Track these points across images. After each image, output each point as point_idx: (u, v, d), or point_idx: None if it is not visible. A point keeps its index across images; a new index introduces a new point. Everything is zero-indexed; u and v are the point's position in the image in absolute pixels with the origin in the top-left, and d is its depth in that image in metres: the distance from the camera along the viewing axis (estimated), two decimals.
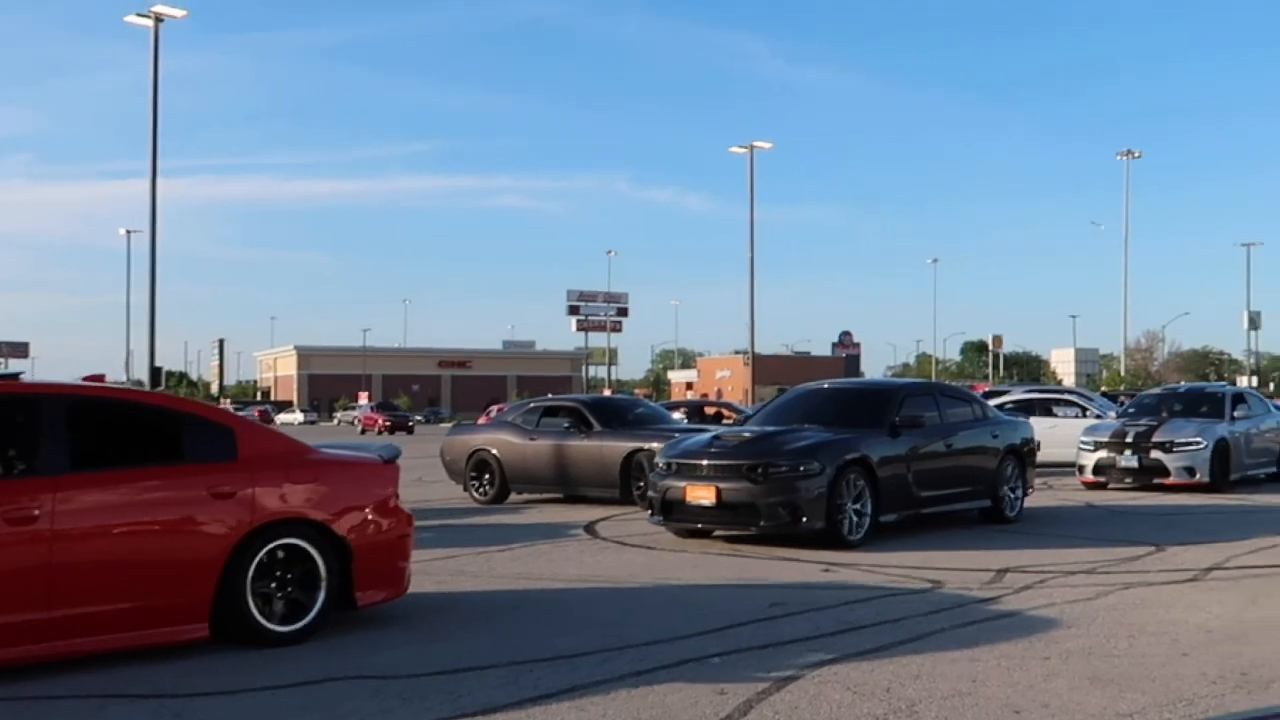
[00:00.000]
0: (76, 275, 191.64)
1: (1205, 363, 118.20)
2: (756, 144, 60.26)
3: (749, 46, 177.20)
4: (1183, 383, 48.74)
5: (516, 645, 7.11)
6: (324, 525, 7.32)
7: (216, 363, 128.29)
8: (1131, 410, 20.79)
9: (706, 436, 12.68)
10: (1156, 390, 24.74)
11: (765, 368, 69.17)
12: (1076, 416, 22.68)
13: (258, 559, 7.02)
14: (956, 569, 10.02)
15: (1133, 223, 74.39)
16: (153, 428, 7.20)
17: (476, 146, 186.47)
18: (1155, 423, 18.71)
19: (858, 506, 11.58)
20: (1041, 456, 21.30)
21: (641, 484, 14.76)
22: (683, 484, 11.70)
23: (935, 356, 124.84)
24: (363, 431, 65.61)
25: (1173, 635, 7.31)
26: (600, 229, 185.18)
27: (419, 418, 75.95)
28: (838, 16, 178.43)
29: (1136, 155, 73.74)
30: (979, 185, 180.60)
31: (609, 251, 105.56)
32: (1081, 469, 18.85)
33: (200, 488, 6.94)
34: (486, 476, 17.43)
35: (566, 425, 16.97)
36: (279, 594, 7.13)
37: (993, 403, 24.84)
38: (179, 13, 37.22)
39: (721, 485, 11.46)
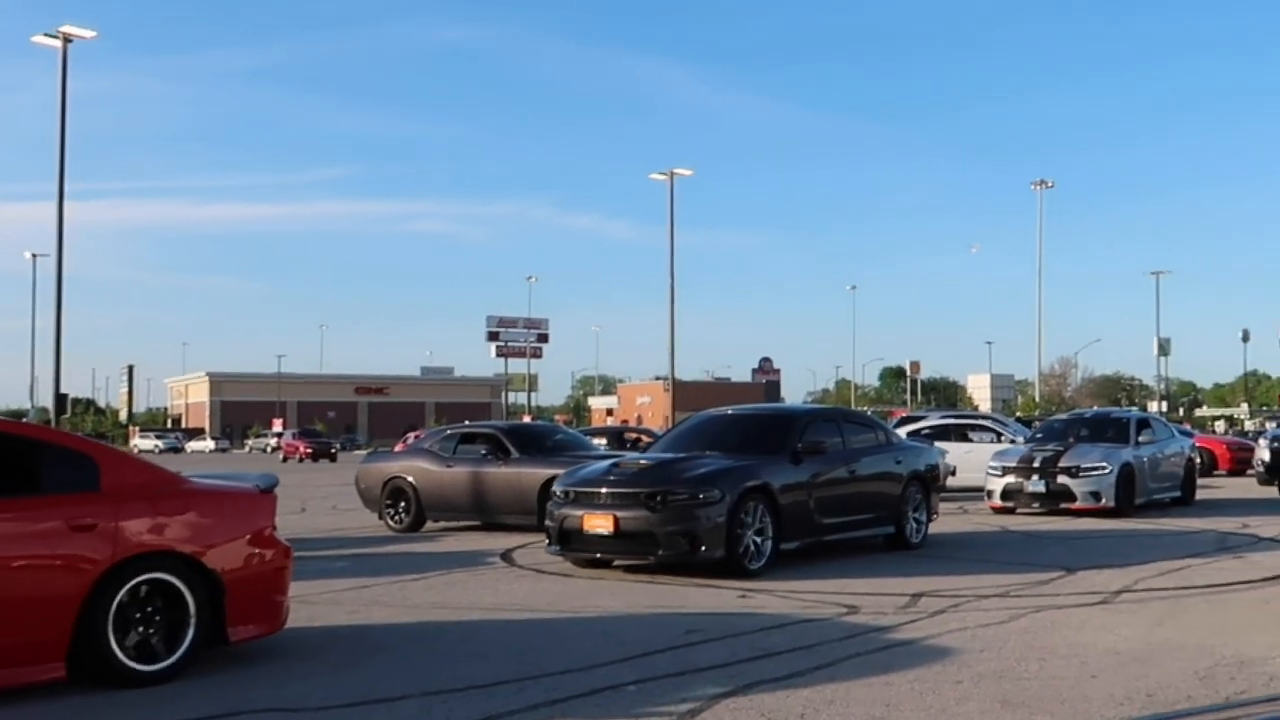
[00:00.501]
0: None
1: (1117, 388, 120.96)
2: (677, 170, 60.63)
3: (670, 73, 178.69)
4: (1092, 407, 49.69)
5: (430, 675, 7.00)
6: (193, 558, 7.02)
7: (125, 390, 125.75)
8: (1039, 435, 20.94)
9: (605, 464, 12.53)
10: (1064, 415, 25.00)
11: (686, 394, 69.35)
12: (992, 441, 22.97)
13: (121, 595, 6.68)
14: (872, 594, 10.08)
15: (1047, 251, 76.16)
16: (6, 457, 6.82)
17: (396, 171, 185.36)
18: (1062, 448, 18.89)
19: (759, 534, 11.44)
20: (957, 481, 21.65)
21: None
22: (580, 512, 11.51)
23: (854, 382, 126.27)
24: (285, 459, 63.69)
25: (1082, 658, 7.41)
26: (521, 255, 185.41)
27: (336, 444, 74.00)
28: (759, 43, 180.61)
29: (1049, 185, 75.60)
30: (898, 212, 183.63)
31: (529, 277, 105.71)
32: (990, 494, 19.00)
33: (57, 520, 6.59)
34: (402, 504, 17.22)
35: (484, 452, 16.84)
36: (144, 631, 6.81)
37: (910, 428, 25.36)
38: (88, 33, 36.55)
39: (619, 514, 11.27)
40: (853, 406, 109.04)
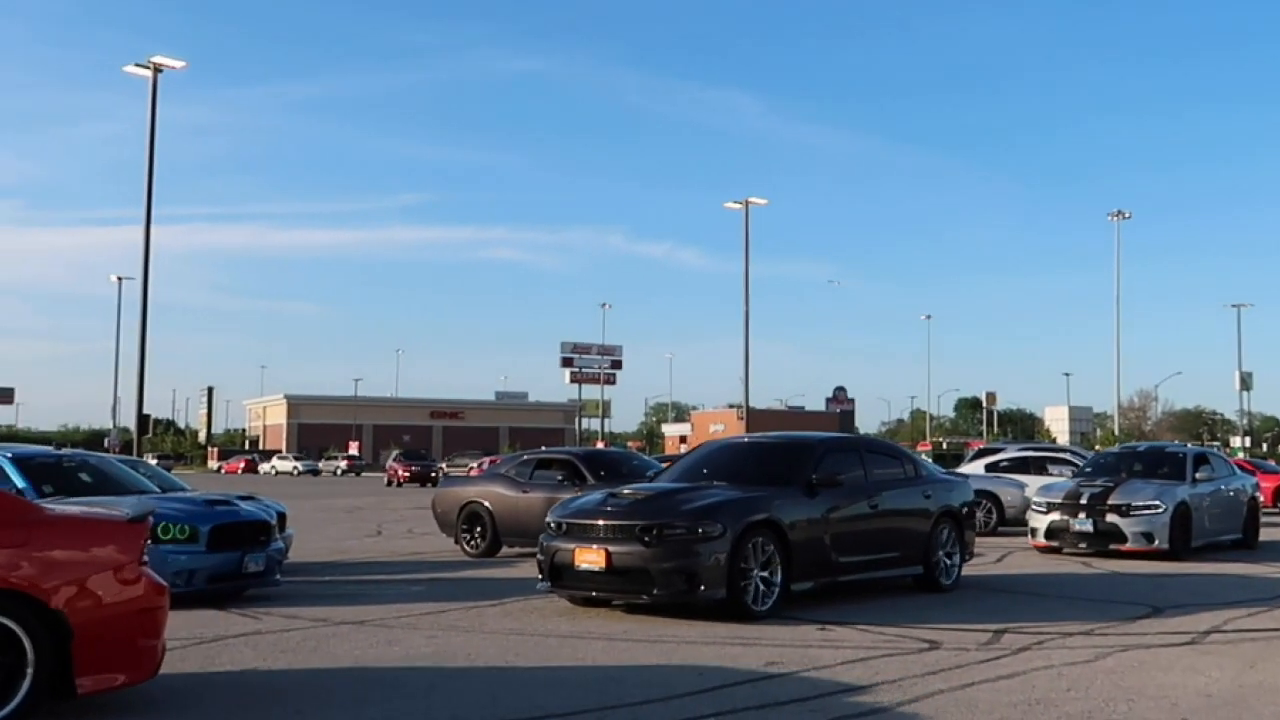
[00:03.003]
0: (65, 322, 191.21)
1: (1199, 422, 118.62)
2: (752, 200, 60.61)
3: (741, 103, 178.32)
4: (1172, 441, 48.46)
5: (507, 704, 7.00)
6: (32, 597, 6.10)
7: (205, 411, 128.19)
8: (1088, 470, 19.57)
9: (600, 494, 11.68)
10: (1115, 449, 23.14)
11: (759, 422, 69.14)
12: (1071, 475, 22.49)
13: None
14: (952, 630, 9.93)
15: (1125, 281, 74.80)
16: None
17: (470, 199, 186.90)
18: (1112, 484, 17.59)
19: (766, 573, 10.62)
20: None
21: None
22: (572, 546, 10.76)
23: (929, 413, 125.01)
24: (388, 483, 60.14)
25: (1172, 699, 7.23)
26: (594, 282, 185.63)
27: (440, 467, 64.90)
28: (830, 74, 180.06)
29: (1126, 216, 74.17)
30: (973, 242, 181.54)
31: (603, 304, 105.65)
32: (1034, 532, 17.79)
33: None
34: (478, 529, 17.32)
35: (560, 478, 16.89)
36: None
37: (988, 460, 25.03)
38: (178, 63, 37.44)
39: (612, 548, 10.48)
40: (928, 437, 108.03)
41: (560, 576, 10.97)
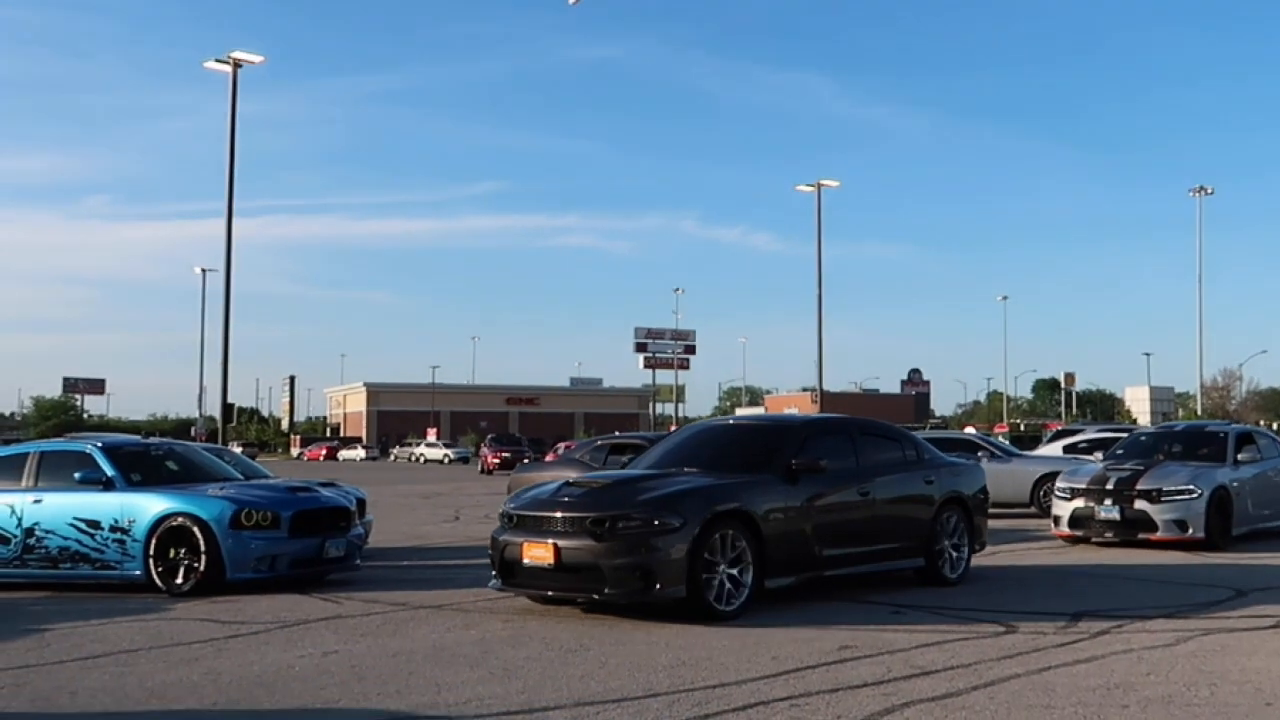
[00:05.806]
0: (152, 313, 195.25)
1: None
2: (824, 182, 60.17)
3: (814, 85, 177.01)
4: (1249, 423, 47.36)
5: (582, 686, 7.09)
6: None
7: (287, 399, 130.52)
8: (1119, 452, 18.01)
9: (556, 484, 10.69)
10: (1152, 429, 21.48)
11: (834, 405, 68.69)
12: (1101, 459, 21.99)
13: None
14: (1029, 613, 9.85)
15: (1208, 259, 73.16)
16: None
17: (545, 187, 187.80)
18: (1142, 467, 16.25)
19: (735, 569, 9.75)
20: None
21: None
22: (521, 540, 9.88)
23: (1006, 394, 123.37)
24: (481, 470, 57.55)
25: (1255, 684, 7.11)
26: (668, 267, 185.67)
27: (530, 453, 64.98)
28: (902, 56, 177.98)
29: (1209, 191, 72.42)
30: (1048, 222, 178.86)
31: (676, 289, 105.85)
32: (1057, 520, 16.48)
33: None
34: None
35: None
36: None
37: (1066, 441, 24.72)
38: (257, 58, 37.99)
39: (562, 543, 9.59)
40: (1005, 419, 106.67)
41: (511, 573, 10.10)
